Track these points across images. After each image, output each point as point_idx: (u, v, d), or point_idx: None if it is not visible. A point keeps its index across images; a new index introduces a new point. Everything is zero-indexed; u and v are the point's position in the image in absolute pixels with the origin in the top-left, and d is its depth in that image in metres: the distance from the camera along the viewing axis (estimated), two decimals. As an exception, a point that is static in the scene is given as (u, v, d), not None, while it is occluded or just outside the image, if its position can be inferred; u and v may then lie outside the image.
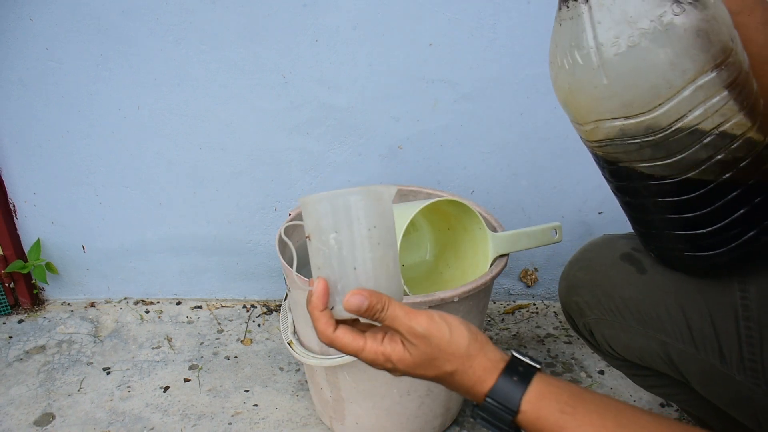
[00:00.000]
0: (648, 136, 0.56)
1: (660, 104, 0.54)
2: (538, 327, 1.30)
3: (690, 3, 0.52)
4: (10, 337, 1.28)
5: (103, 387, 1.14)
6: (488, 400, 0.46)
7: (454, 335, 0.46)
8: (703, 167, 0.56)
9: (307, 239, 0.49)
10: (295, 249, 1.02)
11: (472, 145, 1.21)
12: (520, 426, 0.46)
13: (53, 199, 1.28)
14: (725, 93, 0.53)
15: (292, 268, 0.87)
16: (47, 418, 1.07)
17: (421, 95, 1.15)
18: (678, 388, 0.74)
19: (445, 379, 0.48)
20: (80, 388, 1.14)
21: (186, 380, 1.16)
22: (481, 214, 0.98)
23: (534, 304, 1.38)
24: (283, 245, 0.96)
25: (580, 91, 0.58)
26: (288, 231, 1.00)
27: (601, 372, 1.16)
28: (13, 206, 1.29)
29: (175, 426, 1.05)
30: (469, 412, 0.48)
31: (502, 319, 1.32)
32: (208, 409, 1.08)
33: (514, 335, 1.27)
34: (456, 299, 0.82)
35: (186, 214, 1.29)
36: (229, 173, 1.24)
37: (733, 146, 0.55)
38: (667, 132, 0.55)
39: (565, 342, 1.25)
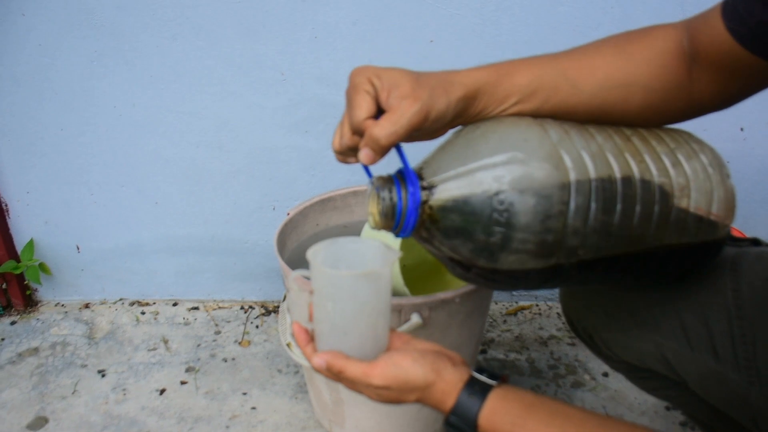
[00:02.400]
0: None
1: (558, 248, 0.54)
2: (541, 328, 1.28)
3: (508, 202, 0.51)
4: (2, 339, 1.26)
5: (98, 390, 1.12)
6: (451, 417, 0.53)
7: (408, 375, 0.53)
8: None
9: (310, 292, 0.55)
10: (294, 249, 1.01)
11: (473, 143, 1.19)
12: None
13: (47, 198, 1.27)
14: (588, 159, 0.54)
15: (290, 268, 0.85)
16: (40, 421, 1.05)
17: (422, 92, 1.14)
18: (677, 390, 0.74)
19: (413, 403, 0.56)
20: (74, 390, 1.12)
21: (182, 383, 1.14)
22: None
23: (537, 305, 1.36)
24: (281, 245, 0.95)
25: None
26: (286, 231, 0.99)
27: (605, 374, 1.14)
28: (6, 205, 1.28)
29: (172, 429, 1.03)
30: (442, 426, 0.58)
31: (505, 321, 1.31)
32: (205, 412, 1.07)
33: (517, 337, 1.26)
34: (457, 300, 0.80)
35: (182, 213, 1.27)
36: (226, 172, 1.23)
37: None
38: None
39: (568, 344, 1.23)
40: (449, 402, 0.53)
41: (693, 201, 0.57)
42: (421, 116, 0.51)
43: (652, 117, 0.59)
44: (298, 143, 1.19)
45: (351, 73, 0.54)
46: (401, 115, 0.50)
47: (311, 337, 0.58)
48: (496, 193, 0.51)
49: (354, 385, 0.55)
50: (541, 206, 0.51)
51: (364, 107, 0.52)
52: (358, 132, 0.53)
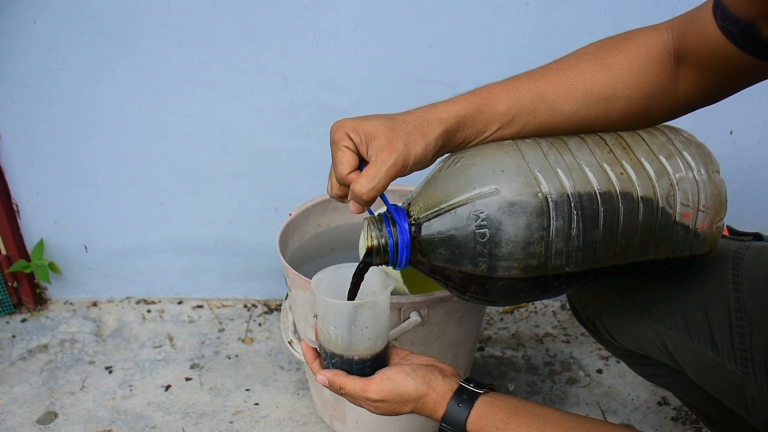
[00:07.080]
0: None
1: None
2: (536, 326, 1.31)
3: (487, 243, 0.54)
4: (14, 336, 1.29)
5: (106, 386, 1.15)
6: (442, 424, 0.57)
7: (401, 388, 0.58)
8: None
9: (315, 317, 0.61)
10: (295, 250, 1.03)
11: (471, 145, 1.21)
12: None
13: (56, 199, 1.29)
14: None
15: (292, 267, 0.88)
16: (50, 416, 1.08)
17: (421, 96, 1.14)
18: (675, 377, 0.76)
19: (409, 413, 0.60)
20: (83, 386, 1.15)
21: (187, 379, 1.17)
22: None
23: (533, 304, 1.39)
24: (283, 245, 0.97)
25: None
26: (288, 231, 1.01)
27: (599, 371, 1.17)
28: (17, 206, 1.30)
29: (177, 424, 1.06)
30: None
31: (501, 318, 1.33)
32: (209, 408, 1.09)
33: (513, 334, 1.28)
34: (455, 298, 0.82)
35: (187, 214, 1.30)
36: (230, 174, 1.25)
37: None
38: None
39: (563, 341, 1.25)
40: (440, 411, 0.57)
41: (679, 203, 0.58)
42: (397, 167, 0.55)
43: (636, 123, 0.61)
44: (300, 146, 1.21)
45: (331, 129, 0.59)
46: (378, 170, 0.54)
47: (318, 354, 0.64)
48: (477, 227, 0.54)
49: (354, 399, 0.60)
50: (521, 234, 0.54)
51: (345, 163, 0.57)
52: (344, 185, 0.57)
